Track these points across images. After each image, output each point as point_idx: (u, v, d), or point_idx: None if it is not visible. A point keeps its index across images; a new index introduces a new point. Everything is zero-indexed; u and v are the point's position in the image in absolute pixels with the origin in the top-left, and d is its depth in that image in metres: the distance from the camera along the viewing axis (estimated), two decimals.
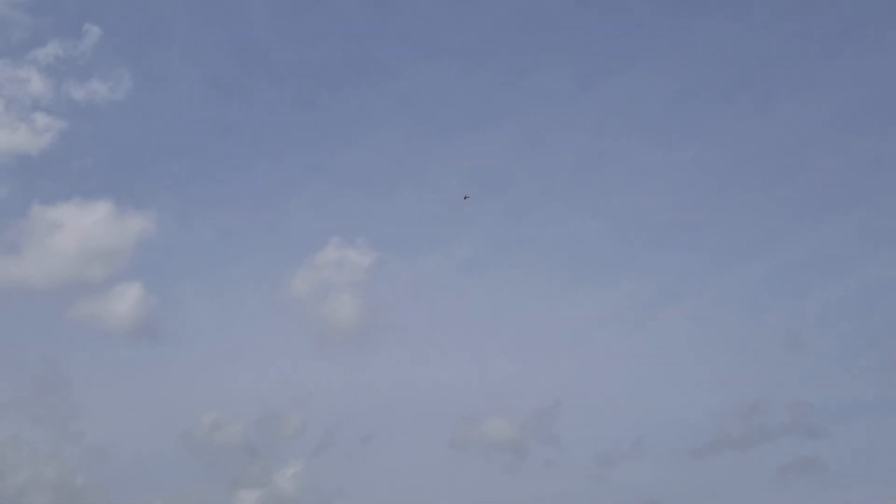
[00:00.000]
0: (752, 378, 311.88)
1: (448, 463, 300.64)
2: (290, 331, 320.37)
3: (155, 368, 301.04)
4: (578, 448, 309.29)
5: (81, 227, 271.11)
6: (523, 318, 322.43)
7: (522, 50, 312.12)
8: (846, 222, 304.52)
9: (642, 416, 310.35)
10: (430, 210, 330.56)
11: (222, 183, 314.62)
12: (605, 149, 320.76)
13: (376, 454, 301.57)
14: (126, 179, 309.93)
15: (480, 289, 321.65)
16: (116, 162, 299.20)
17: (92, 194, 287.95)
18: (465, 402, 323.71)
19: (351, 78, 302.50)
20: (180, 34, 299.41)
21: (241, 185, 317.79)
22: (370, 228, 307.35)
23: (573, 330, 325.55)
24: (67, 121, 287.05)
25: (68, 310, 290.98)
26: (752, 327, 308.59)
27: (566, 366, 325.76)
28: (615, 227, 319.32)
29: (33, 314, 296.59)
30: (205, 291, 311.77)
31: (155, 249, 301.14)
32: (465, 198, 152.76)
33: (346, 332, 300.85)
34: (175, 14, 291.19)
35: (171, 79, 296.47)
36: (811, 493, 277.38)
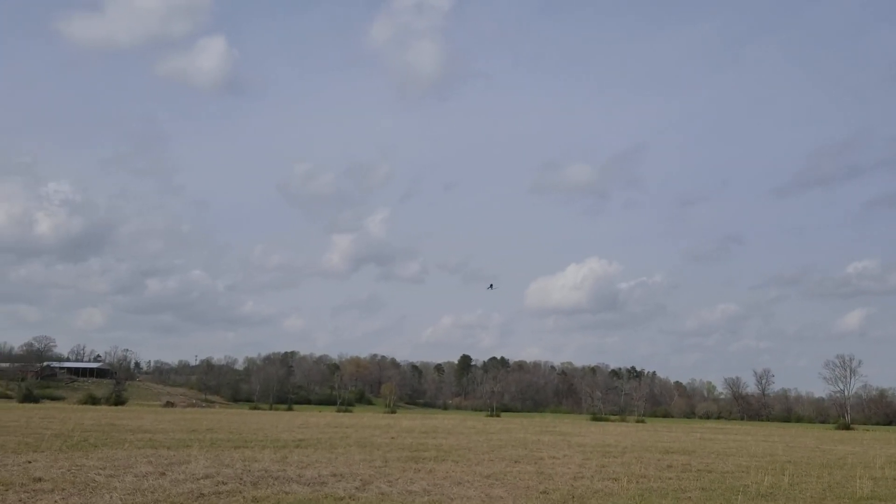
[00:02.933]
0: (848, 113, 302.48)
1: (529, 207, 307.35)
2: (371, 81, 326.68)
3: (244, 122, 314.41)
4: (660, 189, 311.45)
5: None
6: (606, 59, 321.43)
7: None
8: None
9: (727, 156, 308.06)
10: None
11: None
12: None
13: (459, 200, 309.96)
14: None
15: (562, 30, 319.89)
16: None
17: None
18: (546, 148, 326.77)
19: None
20: None
21: None
22: None
23: (658, 70, 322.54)
24: None
25: (155, 67, 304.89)
26: (852, 59, 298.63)
27: (650, 108, 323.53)
28: None
29: (122, 72, 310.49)
30: (284, 43, 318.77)
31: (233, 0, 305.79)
32: (490, 286, 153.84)
33: (428, 81, 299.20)
34: None
35: None
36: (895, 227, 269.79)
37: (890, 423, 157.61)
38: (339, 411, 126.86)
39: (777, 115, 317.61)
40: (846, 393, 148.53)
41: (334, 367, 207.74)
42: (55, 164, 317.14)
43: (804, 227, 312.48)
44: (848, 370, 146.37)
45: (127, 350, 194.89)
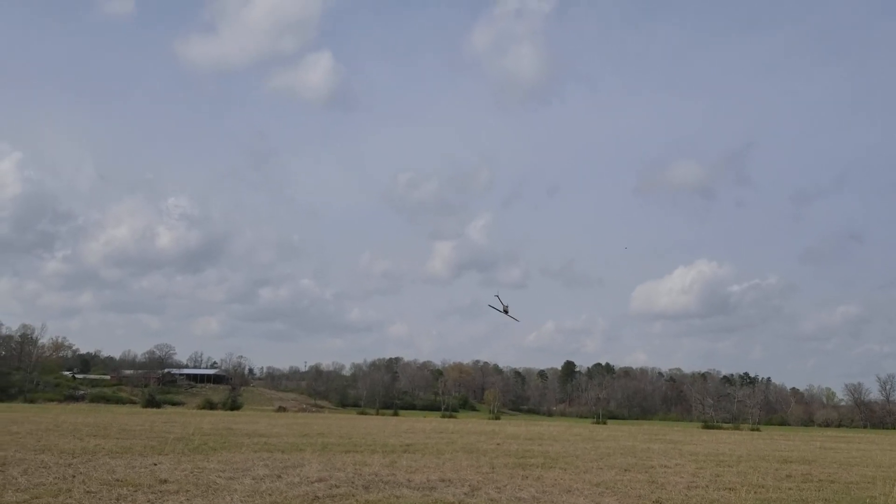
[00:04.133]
0: None
1: (633, 208, 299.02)
2: (472, 87, 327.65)
3: (350, 134, 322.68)
4: (772, 187, 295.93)
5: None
6: (711, 55, 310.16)
7: None
8: None
9: (844, 150, 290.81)
10: None
11: None
12: None
13: (562, 204, 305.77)
14: None
15: (664, 28, 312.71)
16: None
17: None
18: (650, 148, 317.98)
19: None
20: None
21: None
22: None
23: (765, 64, 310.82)
24: None
25: (266, 83, 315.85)
26: None
27: (759, 103, 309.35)
28: None
29: (235, 90, 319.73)
30: (386, 53, 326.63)
31: (338, 15, 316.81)
32: (506, 311, 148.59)
33: (529, 85, 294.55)
34: None
35: None
36: None
37: None
38: (443, 417, 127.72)
39: (895, 106, 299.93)
40: None
41: (438, 373, 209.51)
42: (174, 179, 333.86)
43: None
44: None
45: (241, 357, 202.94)
